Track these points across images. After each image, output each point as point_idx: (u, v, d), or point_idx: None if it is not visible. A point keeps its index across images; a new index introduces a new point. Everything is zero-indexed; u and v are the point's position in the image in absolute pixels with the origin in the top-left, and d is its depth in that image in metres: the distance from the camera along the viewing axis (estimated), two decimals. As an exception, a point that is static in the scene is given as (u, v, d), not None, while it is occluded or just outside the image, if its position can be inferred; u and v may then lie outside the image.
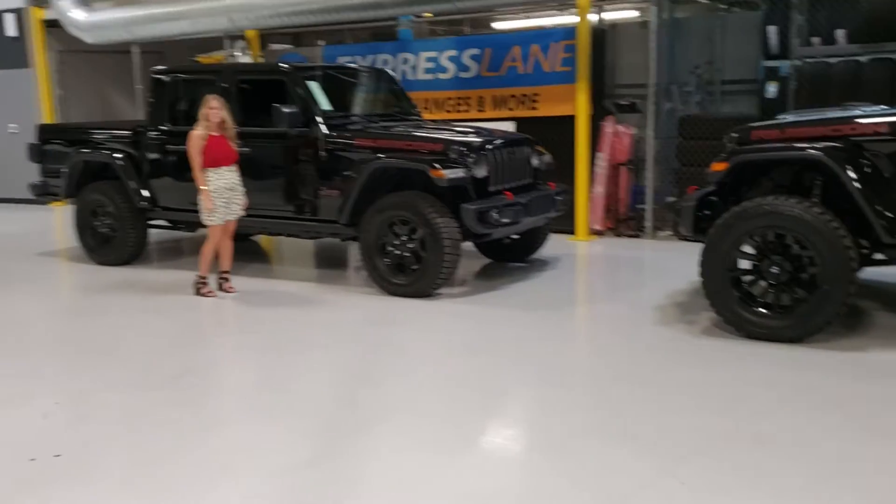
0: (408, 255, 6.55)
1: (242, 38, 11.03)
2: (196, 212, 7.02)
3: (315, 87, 7.18)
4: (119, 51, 12.49)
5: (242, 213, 6.85)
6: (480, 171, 6.49)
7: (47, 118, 13.12)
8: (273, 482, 3.47)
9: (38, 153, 8.76)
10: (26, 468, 3.67)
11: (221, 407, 4.58)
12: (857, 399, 4.27)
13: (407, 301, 6.48)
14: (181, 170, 7.52)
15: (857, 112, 5.42)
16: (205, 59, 11.48)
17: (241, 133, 6.89)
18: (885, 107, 5.64)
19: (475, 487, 3.40)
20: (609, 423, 4.06)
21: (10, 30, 13.08)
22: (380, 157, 6.67)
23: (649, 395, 4.43)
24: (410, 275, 6.54)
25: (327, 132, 6.95)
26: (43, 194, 8.85)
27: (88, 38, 11.34)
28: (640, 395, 4.45)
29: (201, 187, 6.64)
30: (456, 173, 6.35)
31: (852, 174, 4.95)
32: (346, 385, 4.82)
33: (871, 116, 5.19)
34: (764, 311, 5.23)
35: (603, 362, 5.16)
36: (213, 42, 11.80)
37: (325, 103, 7.15)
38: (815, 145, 5.12)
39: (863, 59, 8.29)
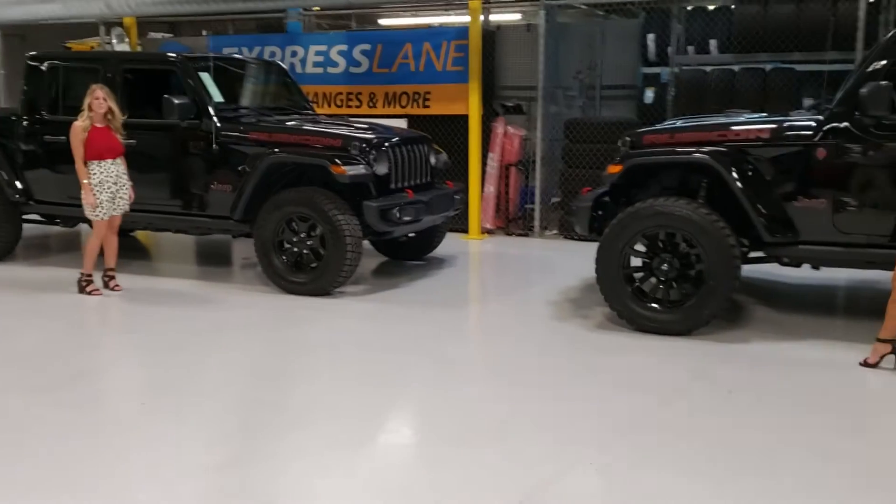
0: (307, 252, 6.46)
1: (120, 25, 10.48)
2: (76, 206, 6.65)
3: (207, 78, 6.94)
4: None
5: (128, 207, 6.55)
6: (381, 168, 6.48)
7: None
8: (187, 484, 3.35)
9: None
10: None
11: (121, 409, 4.35)
12: (744, 385, 4.57)
13: (306, 299, 6.38)
14: (60, 161, 7.12)
15: (741, 119, 5.79)
16: (77, 45, 10.86)
17: (129, 125, 6.57)
18: (765, 114, 6.04)
19: (381, 483, 3.41)
20: (514, 413, 4.17)
21: None
22: (275, 152, 6.52)
23: (550, 385, 4.58)
24: (310, 273, 6.45)
25: (220, 125, 6.74)
26: None
27: (-57, 17, 10.49)
28: (541, 385, 4.59)
29: (83, 181, 6.30)
30: (357, 170, 6.31)
31: (736, 177, 5.28)
32: (246, 385, 4.72)
33: (754, 123, 5.56)
34: (655, 305, 5.51)
35: (504, 356, 5.27)
36: (84, 28, 11.19)
37: (217, 95, 6.93)
38: (702, 150, 5.43)
39: (736, 68, 8.86)
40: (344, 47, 9.73)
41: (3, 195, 7.39)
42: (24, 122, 7.38)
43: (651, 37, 9.66)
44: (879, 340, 4.77)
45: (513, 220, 9.59)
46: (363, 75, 9.67)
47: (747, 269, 6.29)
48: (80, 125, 6.29)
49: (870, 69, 5.06)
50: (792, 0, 8.39)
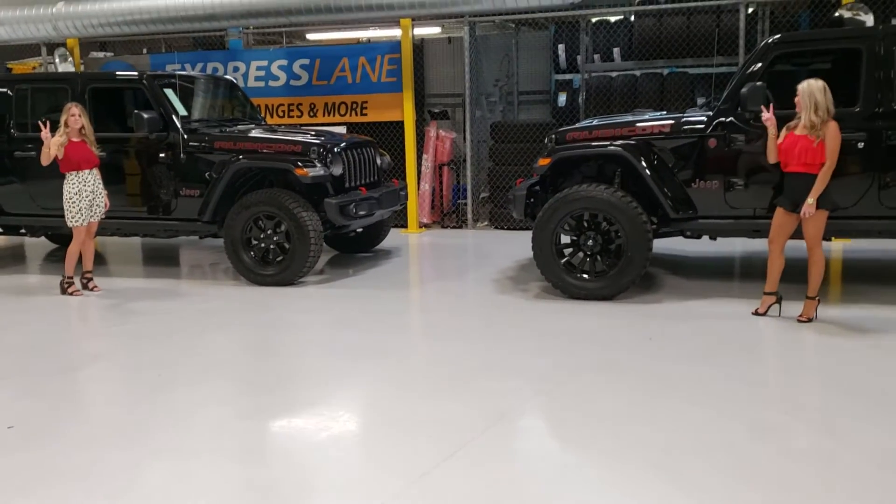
0: (273, 247, 7.18)
1: (62, 45, 10.89)
2: (42, 216, 7.20)
3: (170, 93, 7.58)
4: None
5: (103, 214, 7.13)
6: (337, 170, 7.26)
7: None
8: (209, 429, 4.10)
9: None
10: (-19, 441, 4.01)
11: (143, 379, 5.00)
12: (670, 333, 5.57)
13: (274, 289, 7.10)
14: (29, 175, 7.63)
15: (646, 116, 6.85)
16: (18, 66, 11.20)
17: (100, 138, 7.16)
18: (665, 112, 7.12)
19: (353, 419, 4.24)
20: (479, 367, 5.04)
21: None
22: (240, 159, 7.22)
23: (504, 344, 5.48)
24: (277, 265, 7.17)
25: (186, 136, 7.39)
26: None
27: None
28: (495, 345, 5.48)
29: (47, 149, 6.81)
30: (317, 171, 7.08)
31: (644, 165, 6.33)
32: (238, 357, 5.46)
33: (657, 119, 6.62)
34: (583, 276, 6.49)
35: (458, 324, 6.14)
36: (24, 49, 11.52)
37: (181, 109, 7.57)
38: (616, 143, 6.46)
39: (637, 73, 10.03)
40: (284, 62, 10.45)
41: (-28, 208, 7.82)
42: (-8, 139, 7.84)
43: (561, 47, 10.74)
44: (766, 293, 5.88)
45: (447, 214, 10.51)
46: (303, 87, 10.42)
47: (658, 246, 7.40)
48: (57, 141, 6.84)
49: (748, 72, 6.18)
50: (682, 13, 9.58)
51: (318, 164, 7.10)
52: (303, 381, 4.88)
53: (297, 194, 7.14)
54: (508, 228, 9.75)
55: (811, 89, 5.41)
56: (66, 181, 6.87)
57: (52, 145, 6.78)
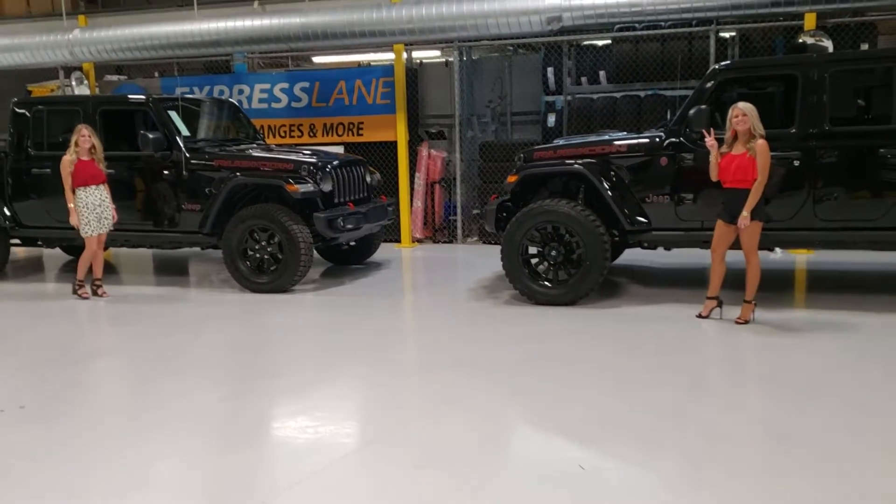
0: (267, 257, 7.81)
1: (78, 69, 11.66)
2: (61, 228, 7.89)
3: (174, 115, 8.26)
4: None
5: (111, 226, 7.80)
6: (327, 186, 7.89)
7: None
8: (202, 410, 4.71)
9: None
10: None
11: (148, 370, 5.62)
12: (618, 333, 6.14)
13: (269, 296, 7.72)
14: (46, 191, 8.32)
15: (607, 137, 7.42)
16: (37, 88, 11.97)
17: (109, 157, 7.85)
18: (626, 133, 7.69)
19: (343, 402, 4.83)
20: (455, 359, 5.63)
21: None
22: (237, 175, 7.88)
23: (471, 341, 6.06)
24: (270, 274, 7.80)
25: (188, 155, 8.06)
26: None
27: (-89, 67, 11.47)
28: (463, 341, 6.07)
29: (70, 205, 7.54)
30: (307, 188, 7.71)
31: (603, 181, 6.90)
32: (232, 353, 6.07)
33: (616, 140, 7.20)
34: (547, 283, 7.06)
35: (430, 326, 6.74)
36: (43, 72, 12.29)
37: (184, 130, 8.25)
38: (578, 161, 7.04)
39: (617, 95, 10.61)
40: (286, 85, 11.15)
41: (-6, 222, 8.53)
42: (12, 158, 8.55)
43: (550, 70, 11.33)
44: (708, 298, 6.42)
45: (439, 229, 11.12)
46: (303, 109, 11.10)
47: (624, 257, 7.96)
48: (67, 159, 7.53)
49: (696, 95, 6.75)
50: (657, 39, 10.16)
51: (309, 181, 7.73)
52: (281, 372, 5.47)
53: (290, 209, 7.76)
54: (497, 243, 10.29)
55: (751, 107, 5.96)
56: (76, 196, 7.55)
57: (63, 166, 7.48)
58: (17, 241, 8.92)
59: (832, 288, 7.64)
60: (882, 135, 6.45)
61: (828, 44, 8.89)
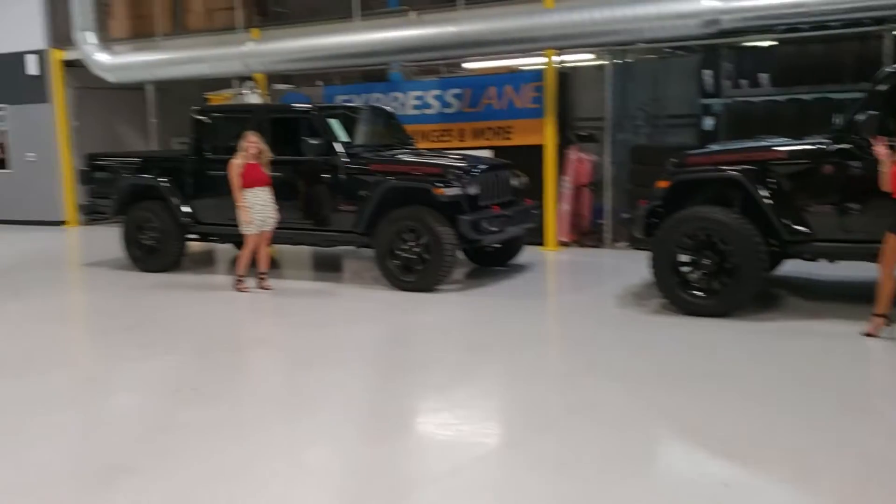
0: (414, 257, 8.06)
1: (250, 78, 12.48)
2: (230, 225, 8.47)
3: (334, 123, 8.70)
4: (129, 88, 13.85)
5: (274, 225, 8.29)
6: (472, 189, 8.04)
7: (63, 149, 14.41)
8: (361, 400, 4.96)
9: (87, 178, 10.09)
10: (175, 397, 5.10)
11: (309, 357, 5.99)
12: (773, 348, 5.89)
13: (414, 294, 7.97)
14: (219, 192, 8.96)
15: (766, 143, 7.12)
16: (214, 97, 12.91)
17: (275, 161, 8.37)
18: (787, 139, 7.33)
19: (489, 395, 4.93)
20: (598, 366, 5.62)
21: (32, 69, 14.35)
22: (390, 179, 8.19)
23: (615, 348, 6.00)
24: (417, 273, 8.05)
25: (346, 160, 8.46)
26: (90, 214, 10.17)
27: (111, 78, 12.69)
28: (607, 348, 6.02)
29: (239, 204, 8.10)
30: (454, 191, 7.90)
31: (760, 189, 6.62)
32: (381, 346, 6.35)
33: (777, 146, 6.89)
34: (698, 293, 6.85)
35: (578, 330, 6.73)
36: (218, 81, 13.25)
37: (343, 136, 8.67)
38: (735, 167, 6.80)
39: (780, 99, 10.12)
40: (438, 92, 11.44)
41: (174, 219, 9.30)
42: (191, 161, 9.29)
43: (708, 72, 10.98)
44: (875, 315, 6.02)
45: (586, 234, 11.03)
46: (454, 114, 11.34)
47: (783, 268, 7.61)
48: (237, 162, 8.10)
49: (867, 99, 6.35)
50: (826, 39, 9.61)
51: (455, 185, 7.92)
52: (425, 368, 5.66)
53: (437, 211, 7.98)
54: (646, 249, 10.08)
55: None
56: (243, 196, 8.10)
57: (232, 168, 8.05)
58: (193, 236, 9.65)
59: None
60: None
61: None
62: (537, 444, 4.20)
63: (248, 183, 8.10)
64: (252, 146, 8.10)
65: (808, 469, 3.80)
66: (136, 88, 13.97)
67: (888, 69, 6.44)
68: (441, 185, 7.91)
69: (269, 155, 8.24)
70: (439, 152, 9.67)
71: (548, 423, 4.51)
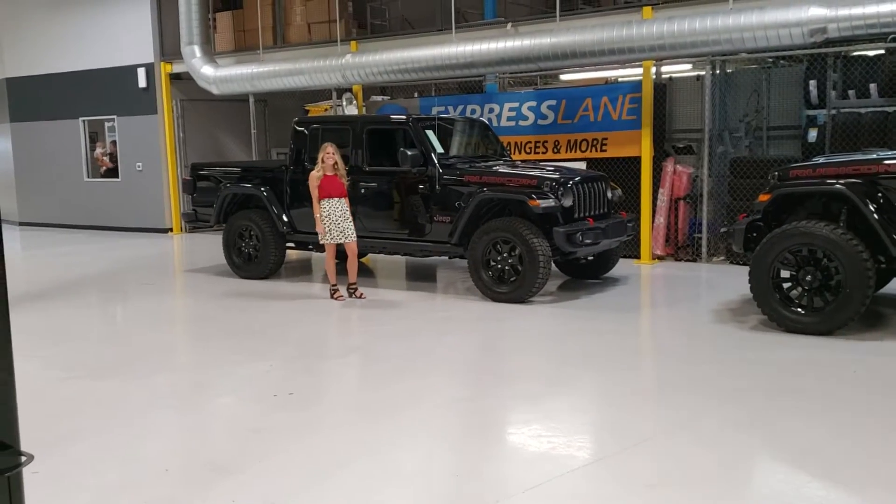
0: (508, 268, 8.10)
1: (349, 90, 12.83)
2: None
3: (431, 134, 8.84)
4: (232, 100, 14.45)
5: (354, 236, 8.42)
6: (567, 202, 8.03)
7: (169, 159, 15.15)
8: (441, 410, 5.03)
9: (191, 187, 10.58)
10: (272, 401, 5.30)
11: (399, 363, 6.12)
12: (879, 370, 5.65)
13: (507, 305, 8.00)
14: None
15: (874, 155, 6.84)
16: (313, 108, 13.32)
17: (372, 171, 8.57)
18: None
19: (571, 404, 4.91)
20: (692, 381, 5.53)
21: (142, 82, 15.17)
22: (485, 190, 8.26)
23: (711, 365, 5.88)
24: (510, 284, 8.08)
25: (441, 171, 8.59)
26: (193, 221, 10.65)
27: (215, 90, 13.27)
28: (703, 364, 5.91)
29: (316, 215, 8.31)
30: (548, 203, 7.91)
31: (868, 203, 6.37)
32: (469, 354, 6.40)
33: (887, 159, 6.60)
34: (800, 310, 6.64)
35: (672, 344, 6.62)
36: (317, 93, 13.66)
37: (438, 147, 8.80)
38: (839, 181, 6.56)
39: (889, 110, 9.68)
40: (533, 104, 11.47)
41: (274, 227, 9.63)
42: (290, 171, 9.62)
43: (813, 82, 10.61)
44: None
45: (682, 247, 10.82)
46: (549, 126, 11.34)
47: (892, 287, 7.28)
48: (315, 174, 8.33)
49: None
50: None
51: (550, 197, 7.92)
52: (517, 378, 5.68)
53: (531, 223, 8.00)
54: (744, 264, 9.82)
55: None
56: (321, 206, 8.31)
57: (311, 180, 8.27)
58: (291, 244, 9.97)
59: None
60: None
61: None
62: (629, 460, 4.17)
63: (326, 193, 8.30)
64: (329, 157, 8.29)
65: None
66: (239, 100, 14.55)
67: None
68: (536, 196, 7.94)
69: (344, 167, 8.41)
70: (534, 164, 9.69)
71: (640, 440, 4.46)
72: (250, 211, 9.88)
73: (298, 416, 4.97)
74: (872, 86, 10.09)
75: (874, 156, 6.80)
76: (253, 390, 5.58)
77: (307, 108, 13.42)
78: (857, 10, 8.22)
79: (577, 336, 6.90)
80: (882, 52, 9.76)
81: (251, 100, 14.30)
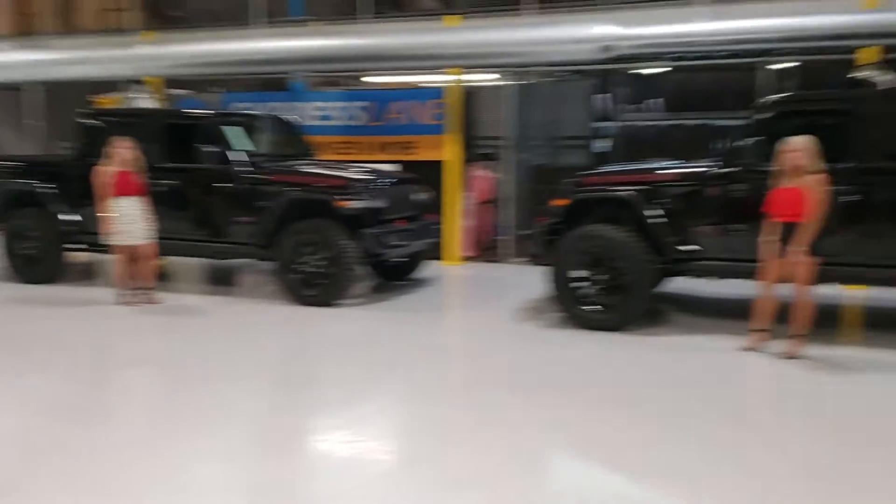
0: (315, 271, 7.96)
1: (140, 82, 12.04)
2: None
3: (233, 130, 8.50)
4: (4, 87, 13.10)
5: (150, 237, 7.91)
6: (376, 203, 8.03)
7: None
8: (241, 419, 4.84)
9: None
10: (57, 416, 4.83)
11: (190, 372, 5.80)
12: (660, 362, 6.14)
13: (315, 309, 7.86)
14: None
15: (657, 165, 7.43)
16: (103, 100, 12.40)
17: (169, 168, 8.10)
18: (675, 161, 7.66)
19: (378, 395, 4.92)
20: (496, 380, 5.69)
21: None
22: (292, 190, 8.06)
23: (512, 363, 6.11)
24: (318, 287, 7.94)
25: (245, 169, 8.28)
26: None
27: (-11, 76, 12.02)
28: (506, 363, 6.12)
29: (103, 214, 7.78)
30: (357, 204, 7.86)
31: (650, 209, 6.90)
32: (282, 363, 6.22)
33: (667, 168, 7.20)
34: (593, 308, 7.06)
35: (478, 345, 6.82)
36: (108, 84, 12.74)
37: (242, 145, 8.48)
38: (627, 188, 7.06)
39: (669, 123, 10.61)
40: (342, 104, 11.40)
41: (55, 227, 8.85)
42: (78, 166, 8.85)
43: (603, 96, 11.38)
44: (755, 330, 6.37)
45: (487, 249, 11.21)
46: (359, 127, 11.32)
47: (673, 285, 7.92)
48: (104, 170, 7.78)
49: (749, 127, 6.73)
50: (711, 69, 10.14)
51: (358, 198, 7.88)
52: (324, 384, 5.59)
53: (340, 224, 7.90)
54: (545, 265, 10.31)
55: (807, 141, 5.93)
56: (111, 205, 7.75)
57: (99, 176, 7.73)
58: (83, 246, 9.14)
59: (886, 326, 7.49)
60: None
61: (886, 78, 8.76)
62: (436, 460, 4.21)
63: (120, 191, 7.77)
64: (122, 152, 7.76)
65: (690, 480, 3.96)
66: (13, 88, 13.23)
67: (769, 99, 6.83)
68: (344, 197, 7.86)
69: (140, 163, 7.91)
70: (344, 165, 9.62)
71: (450, 439, 4.53)
72: (33, 209, 9.01)
73: (83, 433, 4.57)
74: (654, 101, 11.02)
75: (655, 165, 7.39)
76: (34, 405, 5.06)
77: (94, 99, 12.43)
78: (645, 31, 8.92)
79: (386, 338, 6.91)
80: (663, 70, 10.65)
81: (28, 88, 13.03)
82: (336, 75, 11.96)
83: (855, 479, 3.96)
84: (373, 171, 8.64)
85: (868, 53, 8.92)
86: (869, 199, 6.34)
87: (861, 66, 8.81)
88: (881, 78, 8.45)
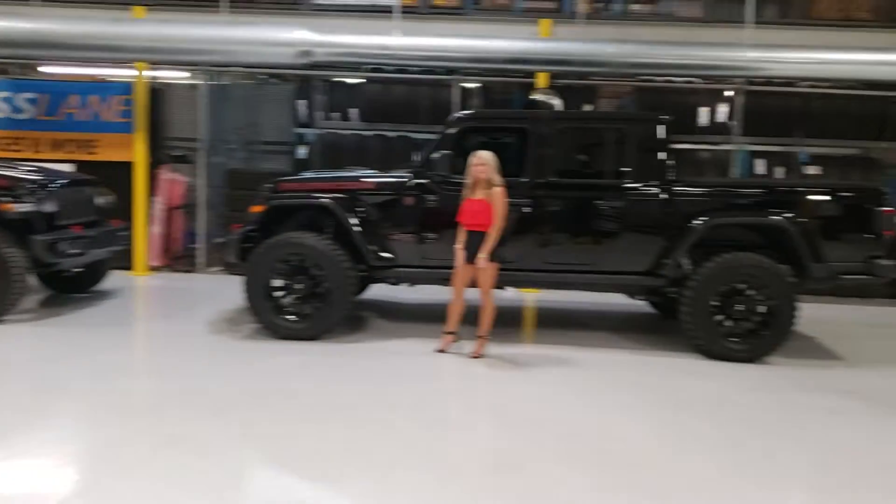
0: (-27, 282, 6.92)
1: None
2: None
3: None
4: None
5: None
6: (48, 207, 7.19)
7: None
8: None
9: None
10: None
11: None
12: (359, 367, 6.18)
13: (-28, 327, 6.84)
14: None
15: (356, 173, 7.53)
16: None
17: None
18: (375, 171, 7.82)
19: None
20: (188, 396, 5.33)
21: None
22: (-58, 191, 6.94)
23: (206, 377, 5.79)
24: (-22, 301, 6.92)
25: None
26: None
27: None
28: (198, 377, 5.78)
29: None
30: (24, 207, 6.98)
31: (350, 217, 6.97)
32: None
33: (365, 177, 7.32)
34: (291, 317, 6.95)
35: (167, 359, 6.36)
36: None
37: None
38: (326, 195, 7.06)
39: (367, 133, 10.84)
40: (7, 94, 10.06)
41: None
42: None
43: (302, 102, 11.31)
44: (446, 333, 6.71)
45: (178, 258, 10.56)
46: (28, 122, 10.08)
47: (375, 293, 8.08)
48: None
49: (440, 140, 7.09)
50: (406, 83, 10.57)
51: (27, 200, 7.01)
52: None
53: (6, 230, 6.96)
54: (240, 274, 9.96)
55: (490, 156, 6.36)
56: None
57: None
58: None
59: (557, 325, 8.30)
60: (598, 188, 7.14)
61: (557, 102, 9.76)
62: (119, 486, 3.84)
63: None
64: None
65: (388, 481, 4.04)
66: None
67: (457, 115, 7.26)
68: (9, 200, 6.93)
69: None
70: (9, 163, 8.48)
71: (132, 463, 4.15)
72: None
73: None
74: (353, 110, 11.18)
75: (354, 174, 7.49)
76: None
77: None
78: (340, 39, 9.02)
79: (59, 358, 6.17)
80: (361, 80, 10.86)
81: None
82: (2, 62, 10.54)
83: (533, 468, 4.30)
84: (42, 171, 7.73)
85: (544, 78, 9.88)
86: (541, 211, 6.97)
87: (538, 89, 9.72)
88: (555, 101, 9.37)
